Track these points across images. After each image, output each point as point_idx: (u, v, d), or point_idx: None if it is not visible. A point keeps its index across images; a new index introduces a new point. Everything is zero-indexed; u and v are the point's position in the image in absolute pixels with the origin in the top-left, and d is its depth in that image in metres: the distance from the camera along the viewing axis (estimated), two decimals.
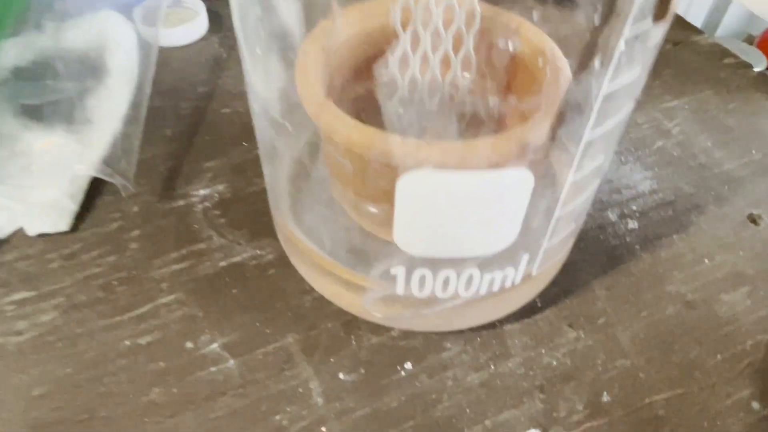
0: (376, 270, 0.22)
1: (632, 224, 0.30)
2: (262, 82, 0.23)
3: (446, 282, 0.21)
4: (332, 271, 0.24)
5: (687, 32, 0.42)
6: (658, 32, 0.17)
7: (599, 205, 0.30)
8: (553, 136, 0.19)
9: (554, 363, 0.24)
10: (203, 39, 0.40)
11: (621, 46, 0.15)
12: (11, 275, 0.27)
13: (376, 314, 0.23)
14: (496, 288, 0.22)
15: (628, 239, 0.29)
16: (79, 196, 0.30)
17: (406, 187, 0.17)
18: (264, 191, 0.31)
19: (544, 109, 0.19)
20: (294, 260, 0.26)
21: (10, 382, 0.24)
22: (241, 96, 0.36)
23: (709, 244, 0.29)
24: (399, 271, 0.20)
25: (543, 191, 0.20)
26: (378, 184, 0.21)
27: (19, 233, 0.28)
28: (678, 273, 0.28)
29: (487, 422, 0.23)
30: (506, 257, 0.21)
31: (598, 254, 0.28)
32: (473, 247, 0.19)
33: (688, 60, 0.40)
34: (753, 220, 0.30)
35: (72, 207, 0.29)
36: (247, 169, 0.32)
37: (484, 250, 0.19)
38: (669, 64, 0.40)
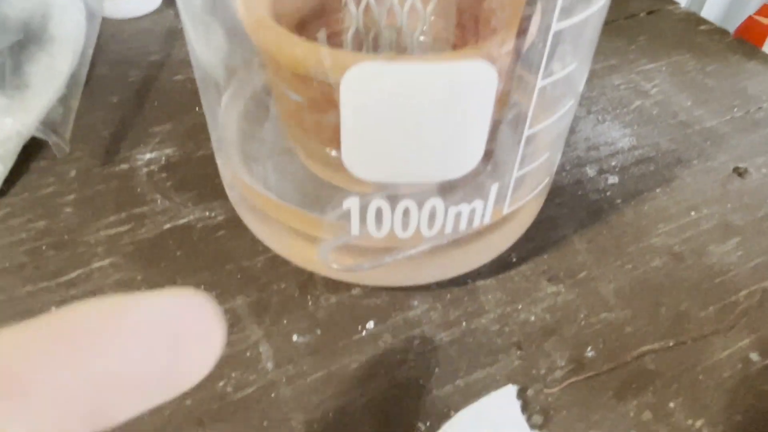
0: (330, 212, 0.20)
1: (612, 179, 0.28)
2: (203, 40, 0.21)
3: (406, 216, 0.18)
4: (285, 220, 0.21)
5: (662, 2, 0.41)
6: None
7: (576, 160, 0.28)
8: (518, 47, 0.16)
9: (532, 318, 0.22)
10: (158, 11, 0.38)
11: None
12: None
13: (332, 266, 0.21)
14: (463, 226, 0.19)
15: (608, 193, 0.27)
16: (10, 160, 0.27)
17: (351, 84, 0.15)
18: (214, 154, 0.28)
19: (506, 25, 0.17)
20: (245, 217, 0.23)
21: None
22: None
23: (695, 197, 0.27)
24: (353, 204, 0.18)
25: (510, 110, 0.18)
26: (326, 115, 0.19)
27: None
28: (663, 225, 0.26)
29: (459, 382, 0.20)
30: (472, 187, 0.19)
31: (576, 209, 0.26)
32: (432, 167, 0.17)
33: (664, 27, 0.39)
34: (739, 173, 0.28)
35: (0, 169, 0.26)
36: (198, 133, 0.30)
37: (446, 172, 0.17)
38: (644, 31, 0.38)
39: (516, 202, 0.20)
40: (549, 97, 0.17)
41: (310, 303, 0.22)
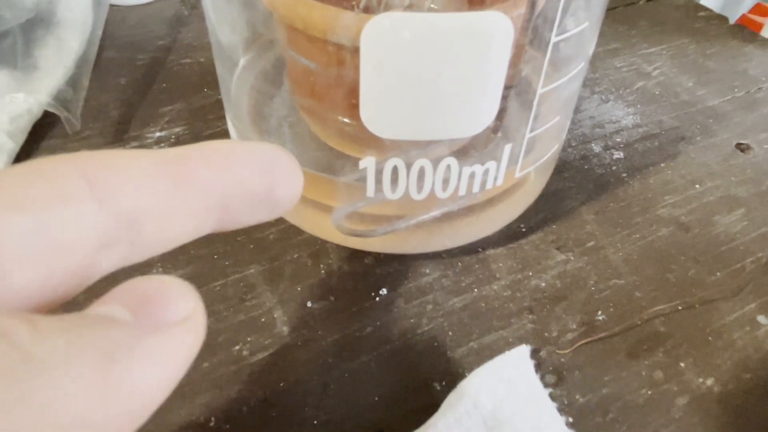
0: (345, 175, 0.20)
1: (617, 154, 0.28)
2: (220, 10, 0.22)
3: (421, 177, 0.19)
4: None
5: None
6: None
7: (582, 137, 0.29)
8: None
9: (543, 285, 0.22)
10: None
11: None
12: None
13: (345, 227, 0.21)
14: (476, 188, 0.20)
15: (614, 168, 0.27)
16: (20, 136, 0.27)
17: (370, 38, 0.15)
18: (225, 133, 0.29)
19: None
20: None
21: None
22: (203, 48, 0.34)
23: (699, 171, 0.27)
24: (369, 163, 0.18)
25: (523, 67, 0.18)
26: (341, 79, 0.19)
27: None
28: (669, 197, 0.26)
29: (473, 344, 0.20)
30: (486, 148, 0.19)
31: (583, 182, 0.27)
32: (448, 124, 0.17)
33: (663, 13, 0.40)
34: (742, 149, 0.29)
35: (11, 145, 0.26)
36: (207, 113, 0.30)
37: (461, 129, 0.17)
38: (644, 17, 0.39)
39: (527, 165, 0.20)
40: (562, 56, 0.18)
41: (323, 271, 0.23)
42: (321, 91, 0.21)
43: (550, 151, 0.22)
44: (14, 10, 0.32)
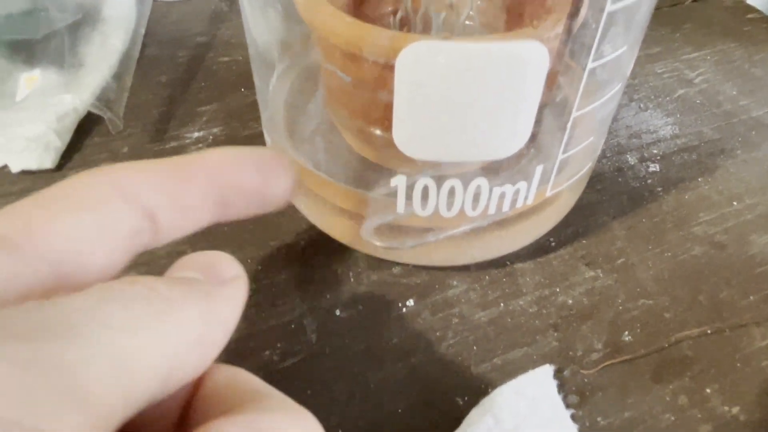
0: (376, 189, 0.20)
1: (653, 167, 0.28)
2: (262, 34, 0.22)
3: (451, 195, 0.19)
4: (331, 198, 0.22)
5: None
6: None
7: (617, 148, 0.28)
8: (568, 29, 0.17)
9: (570, 302, 0.22)
10: None
11: None
12: None
13: (376, 243, 0.22)
14: (506, 207, 0.20)
15: (649, 181, 0.27)
16: (67, 135, 0.28)
17: (406, 62, 0.15)
18: (261, 135, 0.29)
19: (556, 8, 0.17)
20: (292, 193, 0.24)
21: None
22: (241, 46, 0.35)
23: (738, 187, 0.27)
24: (400, 181, 0.19)
25: (558, 92, 0.18)
26: (376, 95, 0.20)
27: (2, 170, 0.27)
28: (704, 214, 0.26)
29: (497, 360, 0.21)
30: (517, 168, 0.19)
31: (616, 195, 0.26)
32: (480, 147, 0.17)
33: (710, 15, 0.38)
34: None
35: (58, 144, 0.28)
36: (244, 113, 0.30)
37: (493, 152, 0.17)
38: (689, 19, 0.38)
39: (559, 184, 0.20)
40: (598, 80, 0.18)
41: (352, 280, 0.23)
42: (355, 104, 0.21)
43: (582, 170, 0.22)
44: (63, 10, 0.33)
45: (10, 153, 0.27)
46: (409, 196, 0.19)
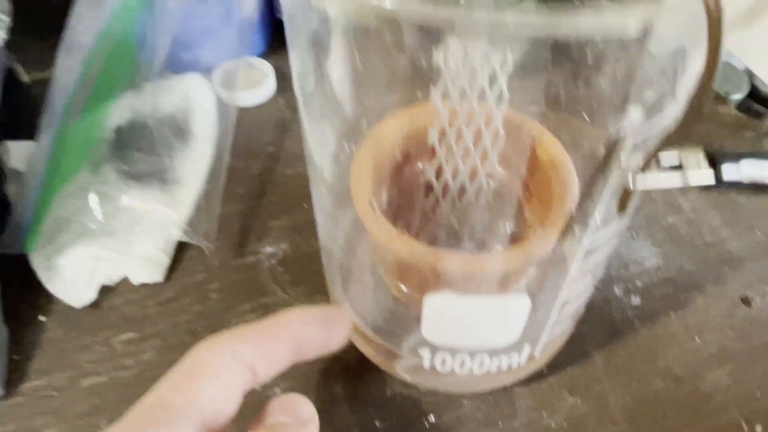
0: (407, 345, 0.28)
1: (635, 300, 0.34)
2: (318, 147, 0.29)
3: (463, 363, 0.26)
4: (372, 340, 0.29)
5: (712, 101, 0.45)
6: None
7: (608, 279, 0.35)
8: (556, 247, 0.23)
9: (553, 425, 0.29)
10: (271, 99, 0.46)
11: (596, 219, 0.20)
12: (119, 318, 0.34)
13: (406, 378, 0.29)
14: (504, 368, 0.27)
15: (629, 314, 0.33)
16: (171, 251, 0.36)
17: (431, 303, 0.22)
18: (319, 252, 0.37)
19: (550, 223, 0.24)
20: None
21: (122, 408, 0.30)
22: (303, 158, 0.42)
23: (702, 323, 0.33)
24: (425, 353, 0.26)
25: (543, 298, 0.25)
26: (414, 275, 0.27)
27: (123, 281, 0.35)
28: (670, 349, 0.32)
29: None
30: (511, 348, 0.26)
31: (601, 326, 0.33)
32: (484, 343, 0.24)
33: (712, 131, 0.43)
34: (746, 301, 0.34)
35: (165, 260, 0.36)
36: (305, 229, 0.38)
37: (493, 345, 0.25)
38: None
39: (545, 351, 0.27)
40: (585, 269, 0.24)
41: (388, 394, 0.31)
42: (395, 271, 0.28)
43: (564, 336, 0.28)
44: (158, 126, 0.41)
45: (128, 267, 0.35)
46: (432, 360, 0.26)
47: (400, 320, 0.30)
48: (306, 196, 0.40)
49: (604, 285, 0.35)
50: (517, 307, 0.22)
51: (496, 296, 0.22)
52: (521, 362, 0.27)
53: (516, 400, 0.30)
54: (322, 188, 0.29)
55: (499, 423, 0.30)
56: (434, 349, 0.26)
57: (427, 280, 0.24)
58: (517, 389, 0.31)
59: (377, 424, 0.30)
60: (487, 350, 0.25)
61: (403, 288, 0.29)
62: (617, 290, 0.35)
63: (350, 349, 0.32)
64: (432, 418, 0.30)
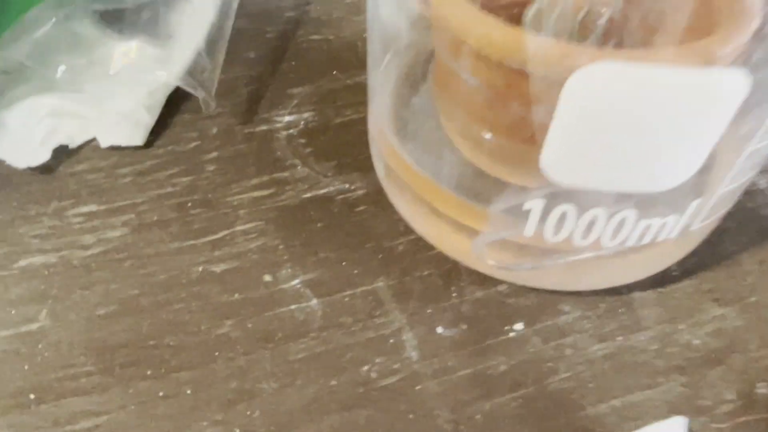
0: (500, 204, 0.19)
1: None
2: None
3: (591, 225, 0.17)
4: (442, 206, 0.20)
5: None
6: None
7: None
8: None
9: (696, 342, 0.20)
10: None
11: None
12: (81, 187, 0.25)
13: (487, 261, 0.20)
14: (647, 240, 0.18)
15: None
16: (157, 110, 0.27)
17: (577, 86, 0.13)
18: (354, 123, 0.28)
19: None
20: (392, 193, 0.23)
21: (73, 298, 0.21)
22: (333, 25, 0.33)
23: None
24: (535, 205, 0.17)
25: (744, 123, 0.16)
26: (511, 105, 0.18)
27: (90, 144, 0.26)
28: None
29: (615, 402, 0.19)
30: (673, 200, 0.17)
31: (745, 223, 0.24)
32: (642, 178, 0.15)
33: None
34: None
35: (148, 120, 0.27)
36: (336, 98, 0.29)
37: (654, 184, 0.15)
38: None
39: (709, 218, 0.18)
40: None
41: (454, 294, 0.21)
42: (480, 109, 0.19)
43: (733, 203, 0.19)
44: None
45: (100, 127, 0.26)
46: (542, 221, 0.17)
47: (478, 183, 0.20)
48: (337, 62, 0.32)
49: None
50: (727, 90, 0.13)
51: (697, 69, 0.13)
52: (674, 232, 0.18)
53: (638, 308, 0.21)
54: (379, 34, 0.20)
55: (618, 337, 0.20)
56: (552, 199, 0.16)
57: (529, 110, 0.15)
58: (637, 295, 0.22)
59: (440, 331, 0.20)
60: (638, 198, 0.16)
61: (489, 139, 0.20)
62: (761, 182, 0.25)
63: (396, 236, 0.23)
64: (519, 326, 0.21)
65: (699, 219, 0.18)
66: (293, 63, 0.31)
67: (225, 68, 0.30)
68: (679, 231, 0.18)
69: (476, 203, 0.19)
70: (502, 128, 0.19)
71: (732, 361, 0.20)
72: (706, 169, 0.16)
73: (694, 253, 0.22)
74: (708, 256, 0.23)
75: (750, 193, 0.25)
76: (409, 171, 0.21)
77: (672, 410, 0.19)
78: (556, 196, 0.16)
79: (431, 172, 0.20)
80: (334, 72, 0.30)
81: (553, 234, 0.17)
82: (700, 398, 0.19)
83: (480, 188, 0.20)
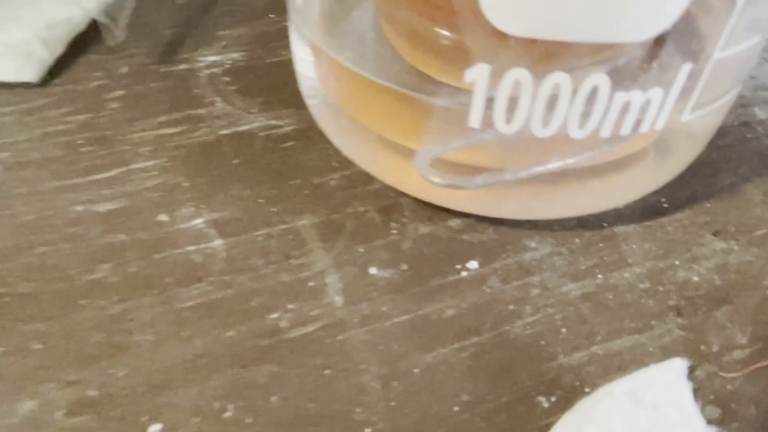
0: (441, 98, 0.15)
1: None
2: None
3: (552, 102, 0.13)
4: (381, 119, 0.16)
5: None
6: None
7: (741, 100, 0.22)
8: None
9: (696, 279, 0.16)
10: None
11: None
12: None
13: (432, 178, 0.16)
14: (626, 130, 0.14)
15: None
16: (57, 48, 0.23)
17: None
18: (289, 62, 0.24)
19: None
20: (325, 122, 0.19)
21: None
22: None
23: None
24: (480, 73, 0.13)
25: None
26: None
27: None
28: None
29: (596, 348, 0.15)
30: (653, 66, 0.13)
31: (745, 153, 0.20)
32: (611, 20, 0.11)
33: None
34: None
35: (44, 55, 0.23)
36: (270, 39, 0.25)
37: (628, 30, 0.12)
38: None
39: (701, 105, 0.14)
40: None
41: (394, 232, 0.17)
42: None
43: (727, 94, 0.15)
44: None
45: None
46: (490, 100, 0.13)
47: (417, 80, 0.16)
48: (274, 6, 0.28)
49: (736, 107, 0.22)
50: None
51: None
52: (660, 118, 0.14)
53: (623, 243, 0.17)
54: None
55: (598, 274, 0.16)
56: (501, 61, 0.13)
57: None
58: (621, 229, 0.17)
59: (373, 271, 0.16)
60: (609, 59, 0.12)
61: (430, 31, 0.16)
62: (759, 113, 0.22)
63: (328, 171, 0.19)
64: (473, 264, 0.16)
65: (692, 101, 0.14)
66: (227, 8, 0.27)
67: (147, 12, 0.26)
68: (666, 118, 0.14)
69: (418, 100, 0.15)
70: (436, 6, 0.15)
71: (742, 300, 0.16)
72: (693, 22, 0.12)
73: (686, 185, 0.18)
74: (702, 187, 0.19)
75: (748, 123, 0.21)
76: (343, 72, 0.17)
77: (670, 356, 0.14)
78: (506, 57, 0.12)
79: (370, 72, 0.16)
80: (271, 15, 0.27)
81: (506, 121, 0.13)
82: (704, 343, 0.15)
83: (423, 89, 0.16)
